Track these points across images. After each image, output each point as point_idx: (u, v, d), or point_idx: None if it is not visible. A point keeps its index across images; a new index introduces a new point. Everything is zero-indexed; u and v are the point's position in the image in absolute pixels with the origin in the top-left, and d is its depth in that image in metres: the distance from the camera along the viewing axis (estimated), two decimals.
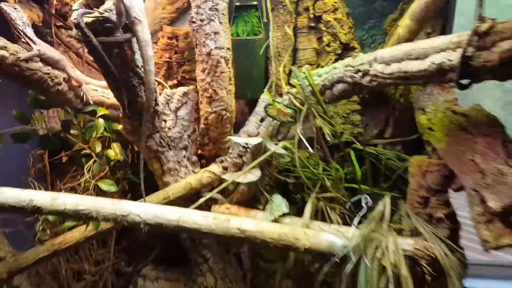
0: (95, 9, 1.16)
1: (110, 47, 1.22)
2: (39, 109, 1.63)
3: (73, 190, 1.72)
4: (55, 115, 1.81)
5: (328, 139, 1.33)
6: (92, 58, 1.49)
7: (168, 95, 1.63)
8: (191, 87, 1.65)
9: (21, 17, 1.38)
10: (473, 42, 0.97)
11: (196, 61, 1.65)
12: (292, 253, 1.48)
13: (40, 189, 1.67)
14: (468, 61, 0.99)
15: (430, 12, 1.36)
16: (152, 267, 1.86)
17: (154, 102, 1.42)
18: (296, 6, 1.70)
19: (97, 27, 1.17)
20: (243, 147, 1.55)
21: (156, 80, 1.70)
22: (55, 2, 1.65)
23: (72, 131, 1.64)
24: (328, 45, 1.70)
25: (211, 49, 1.49)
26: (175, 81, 1.79)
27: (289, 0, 1.66)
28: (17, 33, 1.38)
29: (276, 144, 1.48)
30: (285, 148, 1.42)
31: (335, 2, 1.68)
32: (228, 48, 1.53)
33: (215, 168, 1.59)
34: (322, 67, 1.70)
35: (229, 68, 1.55)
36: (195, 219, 1.30)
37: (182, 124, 1.63)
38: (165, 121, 1.63)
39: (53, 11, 1.66)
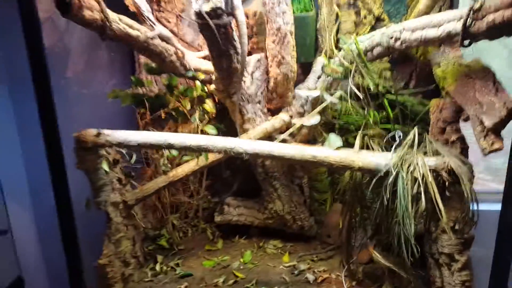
0: (211, 0, 1.74)
1: (219, 27, 1.80)
2: (152, 74, 2.24)
3: None
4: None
5: (372, 89, 1.92)
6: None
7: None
8: (262, 54, 2.23)
9: (146, 5, 1.95)
10: (470, 15, 1.52)
11: (261, 35, 2.26)
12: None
13: None
14: (467, 28, 1.54)
15: None
16: (233, 198, 2.52)
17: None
18: None
19: (211, 13, 1.76)
20: (305, 99, 2.15)
21: None
22: None
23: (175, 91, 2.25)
24: (364, 17, 2.26)
25: (280, 25, 2.06)
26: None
27: None
28: (142, 18, 1.95)
29: (331, 95, 2.07)
30: (339, 98, 2.02)
31: None
32: (292, 24, 2.10)
33: (284, 116, 2.18)
34: (360, 35, 2.27)
35: (293, 38, 2.13)
36: (280, 149, 1.91)
37: (256, 84, 2.21)
38: (244, 81, 2.23)
39: None
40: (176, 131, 2.32)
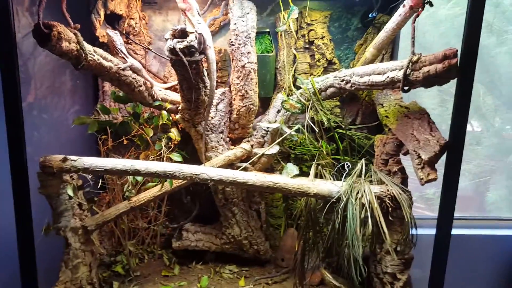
0: (186, 40, 1.84)
1: (191, 63, 1.90)
2: (120, 103, 2.25)
3: None
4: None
5: (325, 124, 2.11)
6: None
7: None
8: (226, 88, 2.35)
9: (119, 38, 2.02)
10: (410, 66, 1.78)
11: (225, 70, 2.40)
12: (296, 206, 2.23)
13: None
14: (407, 77, 1.79)
15: (386, 44, 2.18)
16: (192, 224, 2.54)
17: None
18: (296, 33, 2.46)
19: (185, 51, 1.85)
20: (265, 130, 2.29)
21: None
22: (125, 25, 2.29)
23: (141, 119, 2.28)
24: (318, 61, 2.49)
25: (245, 63, 2.20)
26: None
27: (292, 28, 2.41)
28: (115, 50, 2.01)
29: (288, 128, 2.23)
30: (296, 131, 2.18)
31: (323, 32, 2.46)
32: (255, 62, 2.25)
33: (245, 145, 2.29)
34: (314, 75, 2.49)
35: (255, 75, 2.28)
36: (243, 176, 2.00)
37: (220, 115, 2.31)
38: (209, 111, 2.32)
39: (123, 31, 2.29)
40: (137, 158, 2.33)
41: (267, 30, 2.41)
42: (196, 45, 1.82)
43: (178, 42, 1.81)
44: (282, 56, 2.42)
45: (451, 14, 3.93)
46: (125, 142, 2.34)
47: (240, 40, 2.17)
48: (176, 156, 2.13)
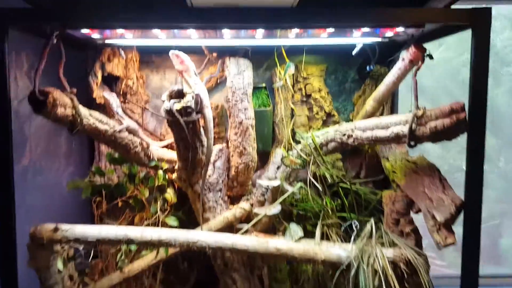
0: (183, 100, 1.76)
1: (187, 124, 1.81)
2: (115, 165, 2.13)
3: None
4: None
5: (329, 180, 1.99)
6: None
7: None
8: (224, 144, 2.25)
9: (115, 100, 1.94)
10: (415, 121, 1.69)
11: (222, 126, 2.32)
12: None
13: None
14: (413, 132, 1.71)
15: (386, 97, 2.12)
16: None
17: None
18: (293, 87, 2.41)
19: (182, 112, 1.77)
20: (265, 188, 2.16)
21: None
22: (122, 86, 2.23)
23: (137, 180, 2.15)
24: (317, 113, 2.41)
25: (242, 119, 2.12)
26: None
27: (289, 83, 2.36)
28: (111, 113, 1.93)
29: (290, 185, 2.11)
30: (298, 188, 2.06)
31: (319, 85, 2.41)
32: (252, 118, 2.18)
33: (244, 204, 2.16)
34: (313, 128, 2.41)
35: (253, 131, 2.19)
36: (243, 241, 1.85)
37: (218, 172, 2.20)
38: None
39: (120, 92, 2.23)
40: (132, 220, 2.18)
41: (264, 85, 2.35)
42: (193, 106, 1.75)
43: (175, 103, 1.73)
44: (279, 110, 2.34)
45: (444, 58, 3.97)
46: (120, 204, 2.20)
47: (237, 97, 2.10)
48: (172, 220, 1.99)
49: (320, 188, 2.08)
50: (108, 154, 2.07)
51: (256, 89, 2.34)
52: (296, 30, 1.91)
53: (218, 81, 2.34)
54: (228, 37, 1.97)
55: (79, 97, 1.72)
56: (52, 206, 2.04)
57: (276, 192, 2.12)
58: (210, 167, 2.18)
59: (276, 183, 2.09)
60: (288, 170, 2.15)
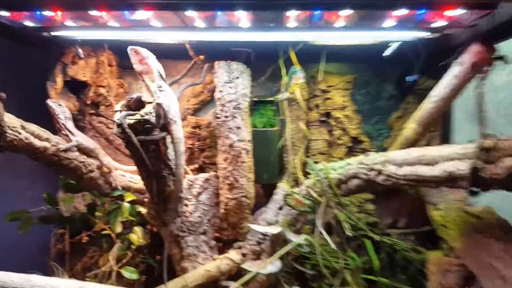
0: (137, 112, 1.25)
1: (147, 144, 1.30)
2: (70, 193, 1.66)
3: (88, 271, 1.71)
4: (79, 196, 1.84)
5: (347, 232, 1.36)
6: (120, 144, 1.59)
7: (190, 181, 1.67)
8: (212, 173, 1.70)
9: (64, 112, 1.47)
10: (481, 156, 1.05)
11: (214, 148, 1.77)
12: None
13: (58, 270, 1.67)
14: (478, 173, 1.07)
15: (434, 118, 1.48)
16: None
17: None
18: (307, 102, 1.83)
19: (138, 127, 1.26)
20: (262, 235, 1.57)
21: None
22: (90, 94, 1.77)
23: (96, 213, 1.67)
24: (339, 138, 1.80)
25: (234, 142, 1.57)
26: (196, 166, 1.85)
27: (298, 95, 1.78)
28: (58, 126, 1.46)
29: (296, 233, 1.50)
30: (305, 239, 1.45)
31: (344, 101, 1.81)
32: (249, 140, 1.62)
33: (233, 255, 1.58)
34: (334, 158, 1.79)
35: (249, 158, 1.63)
36: None
37: (202, 209, 1.65)
38: (186, 205, 1.67)
39: (88, 101, 1.77)
40: (96, 261, 1.67)
41: (270, 99, 1.79)
42: (152, 120, 1.22)
43: (128, 115, 1.21)
44: (289, 132, 1.76)
45: (510, 81, 3.19)
46: (84, 239, 1.71)
47: (227, 112, 1.56)
48: (128, 272, 1.45)
49: (330, 242, 1.44)
50: (61, 179, 1.59)
51: (259, 103, 1.79)
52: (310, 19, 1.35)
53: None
54: (221, 30, 1.44)
55: (39, 106, 1.27)
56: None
57: (277, 241, 1.52)
58: (193, 201, 1.64)
59: (276, 230, 1.49)
60: (294, 213, 1.54)
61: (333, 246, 1.36)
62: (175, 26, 1.45)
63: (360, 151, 1.78)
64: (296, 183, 1.66)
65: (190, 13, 1.32)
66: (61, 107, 1.45)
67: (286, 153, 1.79)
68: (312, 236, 1.44)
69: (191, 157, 1.84)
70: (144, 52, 1.31)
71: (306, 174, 1.65)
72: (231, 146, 1.57)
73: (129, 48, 1.29)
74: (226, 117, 1.56)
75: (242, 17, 1.37)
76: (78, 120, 1.81)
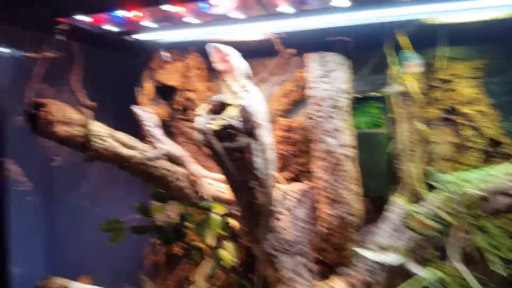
0: (219, 116, 1.08)
1: (231, 151, 1.12)
2: (159, 202, 1.59)
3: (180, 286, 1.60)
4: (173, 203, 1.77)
5: (494, 267, 0.98)
6: None
7: (283, 192, 1.46)
8: (309, 183, 1.46)
9: (150, 118, 1.38)
10: None
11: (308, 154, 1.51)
12: None
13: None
14: None
15: None
16: None
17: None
18: (424, 95, 1.45)
19: (221, 133, 1.09)
20: (374, 263, 1.26)
21: None
22: (179, 99, 1.68)
23: (187, 224, 1.57)
24: (469, 140, 1.39)
25: (332, 146, 1.30)
26: (290, 174, 1.63)
27: (415, 88, 1.42)
28: (144, 133, 1.39)
29: (419, 263, 1.16)
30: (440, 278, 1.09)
31: (474, 93, 1.40)
32: (352, 145, 1.33)
33: (338, 283, 1.28)
34: (463, 165, 1.39)
35: (353, 166, 1.33)
36: None
37: (298, 225, 1.42)
38: (278, 219, 1.45)
39: (176, 106, 1.69)
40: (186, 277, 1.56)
41: (376, 94, 1.46)
42: (236, 124, 1.03)
43: (211, 119, 1.05)
44: (402, 133, 1.41)
45: None
46: (176, 250, 1.62)
47: (321, 112, 1.30)
48: None
49: (467, 274, 1.06)
50: (151, 188, 1.51)
51: (362, 100, 1.48)
52: None
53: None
54: (313, 14, 1.19)
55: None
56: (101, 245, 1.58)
57: (397, 274, 1.20)
58: (287, 217, 1.40)
59: (394, 259, 1.17)
60: (416, 237, 1.20)
61: (475, 285, 0.99)
62: (259, 15, 1.23)
63: (501, 157, 1.34)
64: (415, 197, 1.30)
65: None
66: (147, 114, 1.36)
67: (399, 160, 1.44)
68: (442, 267, 1.08)
69: (284, 165, 1.62)
70: (226, 48, 1.13)
71: (428, 187, 1.28)
72: (328, 152, 1.30)
73: (208, 45, 1.12)
74: (320, 117, 1.30)
75: None
76: (170, 126, 1.74)
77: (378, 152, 1.45)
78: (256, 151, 1.14)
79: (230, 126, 1.05)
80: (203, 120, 1.06)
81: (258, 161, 1.15)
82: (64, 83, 1.25)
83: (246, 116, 1.05)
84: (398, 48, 1.38)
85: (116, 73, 1.53)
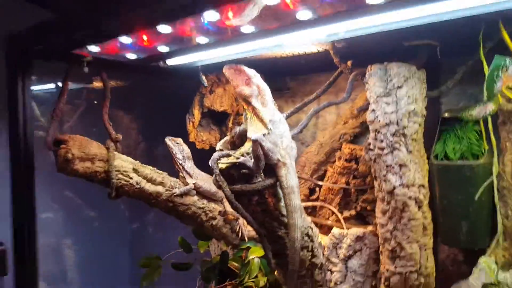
0: (231, 152, 0.90)
1: (249, 194, 0.93)
2: (201, 240, 1.47)
3: None
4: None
5: None
6: None
7: (336, 237, 1.19)
8: (369, 228, 1.15)
9: (182, 151, 1.28)
10: None
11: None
12: None
13: None
14: None
15: None
16: None
17: (309, 258, 1.02)
18: None
19: (233, 173, 0.91)
20: None
21: (328, 209, 1.32)
22: (231, 124, 1.55)
23: (233, 263, 1.41)
24: None
25: (395, 187, 0.99)
26: (353, 212, 1.34)
27: None
28: (176, 166, 1.28)
29: None
30: None
31: None
32: (422, 185, 1.00)
33: None
34: None
35: (423, 213, 1.00)
36: None
37: (353, 279, 1.13)
38: (331, 271, 1.18)
39: (227, 132, 1.56)
40: None
41: (465, 115, 1.08)
42: (249, 163, 0.84)
43: (221, 156, 0.89)
44: (508, 165, 1.01)
45: None
46: None
47: (384, 142, 1.00)
48: None
49: None
50: (193, 227, 1.40)
51: (454, 121, 1.10)
52: None
53: None
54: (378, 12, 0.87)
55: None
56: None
57: None
58: (340, 267, 1.14)
59: None
60: None
61: None
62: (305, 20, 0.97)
63: None
64: None
65: None
66: (178, 145, 1.26)
67: (503, 202, 1.03)
68: None
69: (346, 200, 1.34)
70: (248, 70, 0.94)
71: None
72: (390, 193, 0.99)
73: (225, 68, 0.95)
74: (381, 149, 1.00)
75: None
76: None
77: (472, 191, 1.06)
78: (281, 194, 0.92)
79: (242, 165, 0.86)
80: (215, 157, 0.90)
81: (284, 205, 0.93)
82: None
83: (260, 153, 0.85)
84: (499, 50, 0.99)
85: (164, 101, 1.48)
